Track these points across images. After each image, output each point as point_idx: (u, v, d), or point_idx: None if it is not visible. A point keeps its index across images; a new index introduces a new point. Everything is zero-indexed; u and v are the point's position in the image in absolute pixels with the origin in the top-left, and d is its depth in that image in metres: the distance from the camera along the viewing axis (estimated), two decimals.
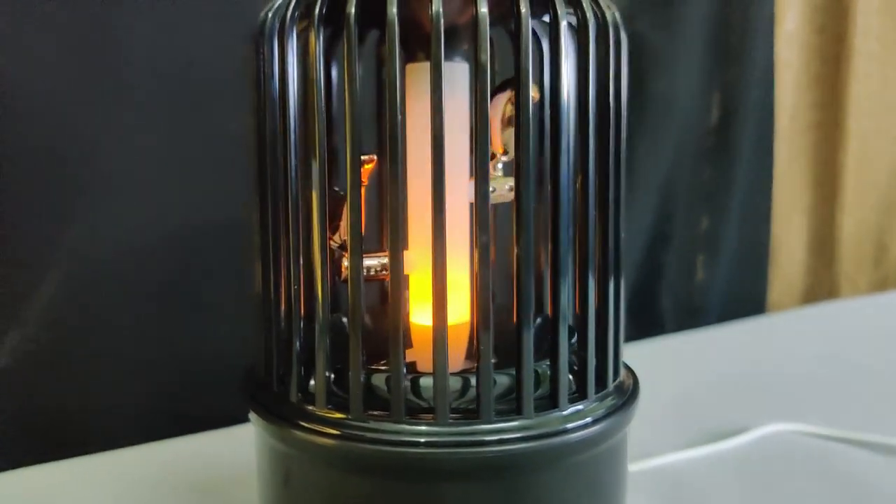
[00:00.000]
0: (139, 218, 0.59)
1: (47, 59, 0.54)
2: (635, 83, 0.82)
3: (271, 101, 0.36)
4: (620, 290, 0.38)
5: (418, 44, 0.37)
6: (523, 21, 0.32)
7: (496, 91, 0.40)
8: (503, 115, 0.40)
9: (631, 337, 0.85)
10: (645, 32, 0.83)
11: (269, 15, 0.36)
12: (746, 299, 0.98)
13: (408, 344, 0.38)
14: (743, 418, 0.60)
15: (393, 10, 0.31)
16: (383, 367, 0.34)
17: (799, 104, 1.02)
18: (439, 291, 0.33)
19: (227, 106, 0.59)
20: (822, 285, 1.06)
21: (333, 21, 0.35)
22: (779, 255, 1.02)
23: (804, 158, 1.04)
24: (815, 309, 0.98)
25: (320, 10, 0.33)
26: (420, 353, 0.37)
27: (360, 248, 0.34)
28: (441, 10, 0.31)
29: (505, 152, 0.41)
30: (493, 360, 0.34)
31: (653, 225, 0.88)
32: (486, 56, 0.31)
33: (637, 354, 0.78)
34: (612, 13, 0.36)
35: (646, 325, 0.89)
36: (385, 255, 0.38)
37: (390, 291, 0.33)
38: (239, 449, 0.53)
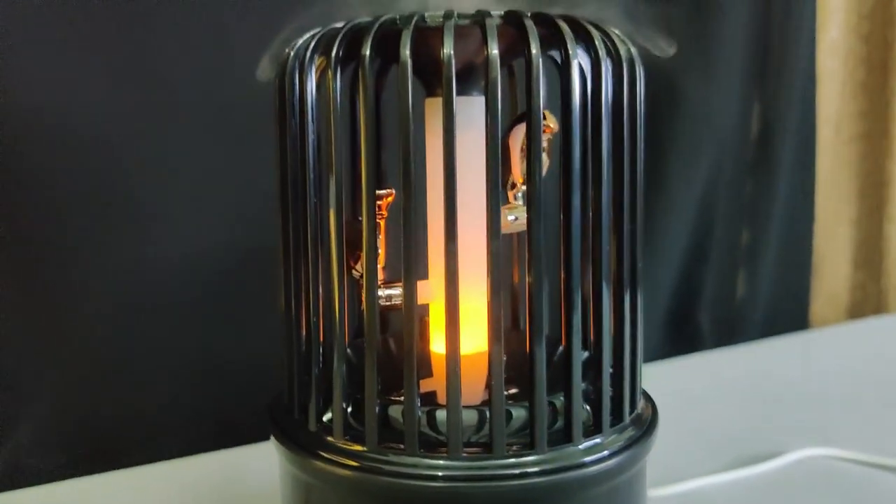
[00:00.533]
0: (182, 240, 0.61)
1: (92, 94, 0.57)
2: (671, 96, 0.82)
3: (292, 137, 0.37)
4: (638, 320, 0.38)
5: (437, 79, 0.38)
6: (534, 62, 0.32)
7: (516, 121, 0.40)
8: (522, 145, 0.41)
9: (668, 353, 0.84)
10: (681, 44, 0.82)
11: (291, 55, 0.37)
12: (789, 314, 0.96)
13: (428, 373, 0.39)
14: (777, 441, 0.59)
15: (406, 52, 0.32)
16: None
17: (843, 114, 1.00)
18: (452, 321, 0.33)
19: (264, 135, 0.60)
20: (868, 300, 1.04)
21: (354, 58, 0.35)
22: (823, 268, 1.00)
23: (848, 169, 1.01)
24: (860, 324, 0.96)
25: (337, 52, 0.34)
26: (441, 383, 0.37)
27: (375, 279, 0.34)
28: (452, 52, 0.32)
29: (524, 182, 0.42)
30: (511, 391, 0.34)
31: (691, 239, 0.87)
32: (496, 99, 0.32)
33: (673, 371, 0.78)
34: (627, 48, 0.36)
35: (684, 340, 0.88)
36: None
37: (403, 321, 0.34)
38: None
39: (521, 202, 0.41)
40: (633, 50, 0.36)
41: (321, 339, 0.37)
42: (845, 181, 1.01)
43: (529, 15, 0.34)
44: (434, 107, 0.39)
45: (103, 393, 0.61)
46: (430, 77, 0.38)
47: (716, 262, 0.89)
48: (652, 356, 0.82)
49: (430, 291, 0.40)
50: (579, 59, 0.34)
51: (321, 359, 0.37)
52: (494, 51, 0.32)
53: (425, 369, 0.39)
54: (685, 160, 0.84)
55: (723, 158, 0.87)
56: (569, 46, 0.33)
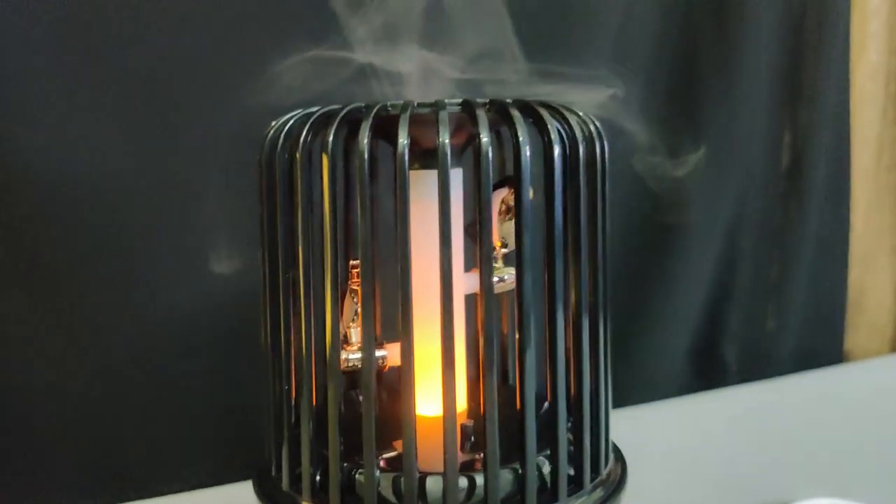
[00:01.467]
0: (194, 284, 0.64)
1: (106, 144, 0.60)
2: (691, 124, 0.81)
3: (283, 215, 0.39)
4: (608, 378, 0.39)
5: (415, 155, 0.40)
6: (483, 150, 0.34)
7: (495, 186, 0.42)
8: (500, 209, 0.43)
9: (692, 388, 0.83)
10: (702, 72, 0.81)
11: (281, 137, 0.39)
12: (822, 348, 0.93)
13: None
14: (785, 488, 0.58)
15: (403, 141, 0.34)
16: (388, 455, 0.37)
17: (884, 139, 0.97)
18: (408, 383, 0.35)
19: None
20: None
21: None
22: (864, 299, 0.97)
23: (890, 196, 0.98)
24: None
25: (335, 137, 0.36)
26: (420, 443, 0.39)
27: (339, 349, 0.37)
28: (448, 140, 0.34)
29: (504, 245, 0.43)
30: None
31: (715, 271, 0.86)
32: (446, 177, 0.34)
33: (695, 407, 0.78)
34: (586, 129, 0.37)
35: (708, 375, 0.86)
36: (384, 348, 0.41)
37: (362, 387, 0.36)
38: None
39: (500, 264, 0.43)
40: (595, 128, 0.38)
41: (293, 401, 0.40)
42: (887, 208, 0.98)
43: (486, 103, 0.36)
44: (414, 178, 0.41)
45: (121, 431, 0.64)
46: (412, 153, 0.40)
47: (743, 294, 0.87)
48: (675, 391, 0.82)
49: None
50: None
51: (294, 421, 0.39)
52: (445, 139, 0.34)
53: (398, 431, 0.41)
54: (705, 191, 0.82)
55: (749, 188, 0.86)
56: (518, 130, 0.34)
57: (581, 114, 0.38)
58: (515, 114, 0.35)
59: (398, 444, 0.39)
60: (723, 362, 0.87)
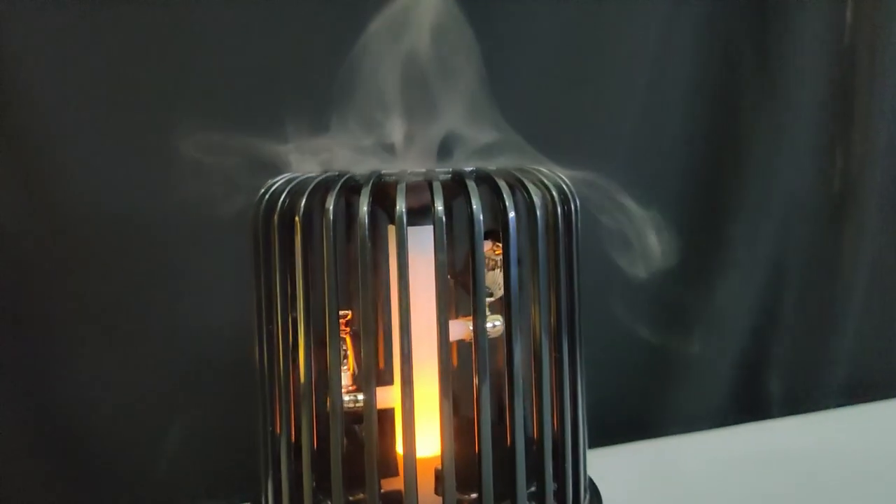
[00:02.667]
0: (217, 308, 0.66)
1: (155, 183, 0.63)
2: (735, 151, 0.81)
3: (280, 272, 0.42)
4: (579, 422, 0.43)
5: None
6: (437, 216, 0.38)
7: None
8: (486, 260, 0.46)
9: (735, 420, 0.81)
10: (744, 96, 0.80)
11: (281, 198, 0.42)
12: (875, 381, 0.89)
13: (394, 472, 0.44)
14: None
15: (401, 206, 0.38)
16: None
17: None
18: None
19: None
20: None
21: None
22: None
23: None
24: None
25: (336, 202, 0.39)
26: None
27: (310, 396, 0.40)
28: (404, 210, 0.37)
29: (489, 294, 0.47)
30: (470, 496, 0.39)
31: (760, 301, 0.83)
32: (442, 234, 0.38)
33: (736, 438, 0.75)
34: (548, 194, 0.42)
35: (752, 407, 0.84)
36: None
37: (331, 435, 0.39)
38: None
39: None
40: (563, 191, 0.42)
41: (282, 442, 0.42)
42: None
43: (471, 171, 0.40)
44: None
45: (148, 447, 0.67)
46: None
47: (789, 324, 0.84)
48: (717, 422, 0.81)
49: (392, 396, 0.45)
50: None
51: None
52: (440, 206, 0.37)
53: (391, 469, 0.44)
54: (751, 218, 0.80)
55: (796, 215, 0.83)
56: (473, 202, 0.39)
57: (553, 178, 0.43)
58: (501, 183, 0.39)
59: (385, 483, 0.42)
60: (768, 393, 0.85)
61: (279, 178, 0.44)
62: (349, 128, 0.48)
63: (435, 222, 0.38)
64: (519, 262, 0.40)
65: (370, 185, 0.39)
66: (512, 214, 0.39)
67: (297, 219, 0.40)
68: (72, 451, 0.65)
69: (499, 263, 0.45)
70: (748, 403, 0.84)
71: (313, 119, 0.49)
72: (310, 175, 0.43)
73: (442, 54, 0.47)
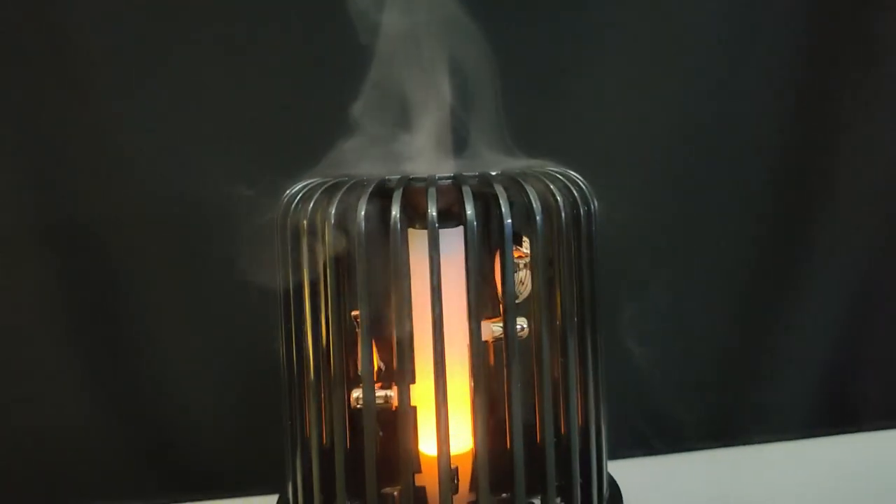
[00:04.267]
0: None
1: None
2: (824, 133, 0.76)
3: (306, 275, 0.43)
4: (599, 422, 0.45)
5: (416, 216, 0.44)
6: (468, 225, 0.39)
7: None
8: None
9: (823, 431, 0.76)
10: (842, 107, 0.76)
11: (310, 206, 0.42)
12: None
13: (417, 469, 0.45)
14: None
15: (433, 211, 0.39)
16: None
17: None
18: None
19: None
20: None
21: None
22: None
23: None
24: None
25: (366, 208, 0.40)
26: (429, 479, 0.43)
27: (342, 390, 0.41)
28: (435, 212, 0.38)
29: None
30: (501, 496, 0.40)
31: (851, 302, 0.79)
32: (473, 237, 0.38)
33: (822, 451, 0.70)
34: (572, 196, 0.43)
35: (842, 418, 0.80)
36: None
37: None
38: None
39: None
40: (586, 190, 0.44)
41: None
42: None
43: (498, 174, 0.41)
44: (414, 237, 0.46)
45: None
46: (412, 214, 0.45)
47: (883, 332, 0.80)
48: (803, 432, 0.76)
49: (417, 394, 0.46)
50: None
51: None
52: (470, 210, 0.39)
53: (414, 465, 0.45)
54: (833, 223, 0.76)
55: (886, 219, 0.78)
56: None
57: (573, 179, 0.44)
58: (528, 187, 0.40)
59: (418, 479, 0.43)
60: (857, 403, 0.81)
61: (307, 181, 0.45)
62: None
63: (466, 225, 0.39)
64: (550, 262, 0.41)
65: (401, 189, 0.40)
66: (539, 217, 0.40)
67: (327, 223, 0.41)
68: (149, 436, 0.69)
69: (520, 266, 0.46)
70: (837, 412, 0.80)
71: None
72: (337, 179, 0.43)
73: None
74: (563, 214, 0.42)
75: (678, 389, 0.77)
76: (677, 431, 0.76)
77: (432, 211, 0.39)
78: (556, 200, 0.42)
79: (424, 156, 0.47)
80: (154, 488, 0.69)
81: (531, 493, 0.41)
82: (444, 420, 0.40)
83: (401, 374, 0.40)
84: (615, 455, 0.68)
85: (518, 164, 0.47)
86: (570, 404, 0.42)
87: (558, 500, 0.42)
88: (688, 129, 0.74)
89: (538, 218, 0.40)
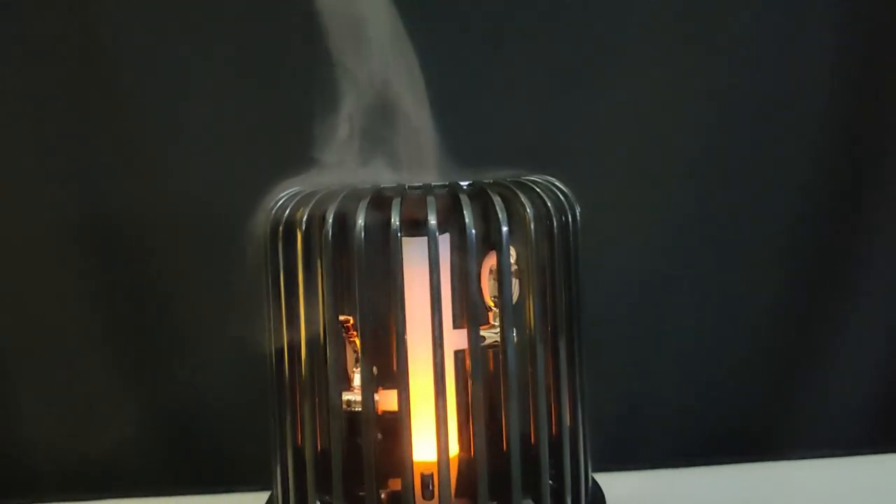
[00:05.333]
0: None
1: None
2: (847, 162, 0.73)
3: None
4: (580, 427, 0.44)
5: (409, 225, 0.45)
6: (468, 230, 0.39)
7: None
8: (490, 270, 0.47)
9: (875, 449, 0.71)
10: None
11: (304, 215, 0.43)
12: None
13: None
14: None
15: (396, 219, 0.40)
16: None
17: None
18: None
19: None
20: None
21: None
22: None
23: None
24: None
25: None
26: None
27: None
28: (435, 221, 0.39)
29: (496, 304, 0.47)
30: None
31: None
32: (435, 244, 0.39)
33: (872, 469, 0.65)
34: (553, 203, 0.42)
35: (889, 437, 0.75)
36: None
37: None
38: None
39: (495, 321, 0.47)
40: (564, 198, 0.44)
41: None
42: None
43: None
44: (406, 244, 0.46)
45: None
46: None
47: None
48: (855, 447, 0.71)
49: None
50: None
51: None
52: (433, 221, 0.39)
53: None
54: (883, 230, 0.73)
55: None
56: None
57: (552, 187, 0.44)
58: (496, 198, 0.40)
59: (395, 483, 0.44)
60: None
61: (293, 189, 0.46)
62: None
63: (430, 235, 0.39)
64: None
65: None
66: (505, 229, 0.40)
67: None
68: (184, 433, 0.72)
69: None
70: (888, 430, 0.75)
71: None
72: (317, 189, 0.44)
73: None
74: (531, 225, 0.41)
75: (715, 399, 0.75)
76: (715, 444, 0.74)
77: (395, 220, 0.39)
78: (527, 210, 0.41)
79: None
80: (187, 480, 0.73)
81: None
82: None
83: (369, 379, 0.41)
84: (647, 465, 0.68)
85: (501, 173, 0.47)
86: (540, 412, 0.42)
87: None
88: (721, 137, 0.72)
89: (503, 229, 0.40)
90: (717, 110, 0.72)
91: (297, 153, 0.66)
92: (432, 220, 0.39)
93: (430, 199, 0.39)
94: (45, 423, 0.71)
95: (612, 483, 0.52)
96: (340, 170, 0.47)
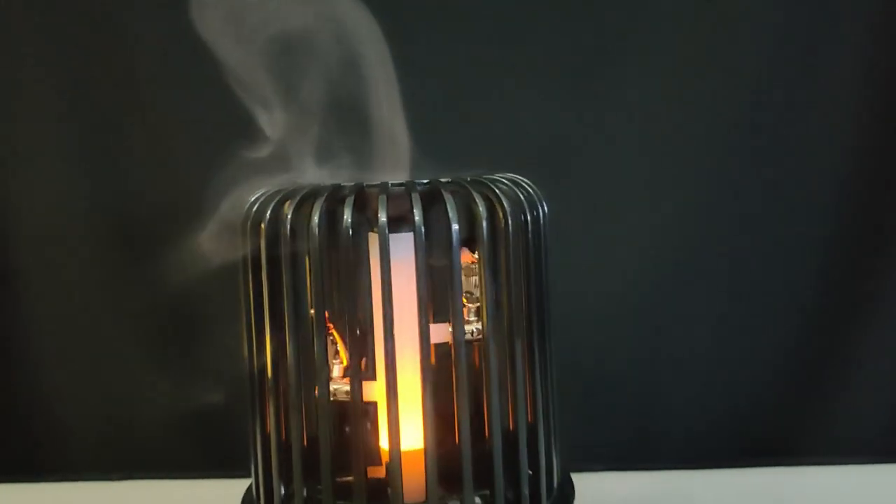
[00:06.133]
0: None
1: None
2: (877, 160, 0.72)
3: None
4: (549, 417, 0.47)
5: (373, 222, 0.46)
6: (418, 231, 0.41)
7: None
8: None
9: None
10: None
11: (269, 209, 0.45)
12: None
13: (376, 462, 0.47)
14: None
15: (383, 217, 0.41)
16: None
17: None
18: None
19: None
20: None
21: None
22: None
23: None
24: None
25: (320, 213, 0.42)
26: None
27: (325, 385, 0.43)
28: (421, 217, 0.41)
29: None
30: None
31: None
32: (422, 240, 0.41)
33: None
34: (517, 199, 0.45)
35: None
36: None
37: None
38: None
39: (473, 317, 0.48)
40: (534, 194, 0.47)
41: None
42: None
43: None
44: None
45: None
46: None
47: None
48: (874, 457, 0.70)
49: (376, 391, 0.48)
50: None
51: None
52: (418, 217, 0.41)
53: (374, 458, 0.47)
54: None
55: None
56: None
57: (521, 184, 0.46)
58: (476, 195, 0.42)
59: (372, 470, 0.45)
60: None
61: (268, 188, 0.47)
62: None
63: (416, 230, 0.41)
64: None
65: (353, 196, 0.42)
66: (486, 224, 0.42)
67: (284, 229, 0.43)
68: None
69: (473, 271, 0.47)
70: None
71: None
72: (295, 187, 0.45)
73: None
74: (509, 220, 0.44)
75: (737, 402, 0.74)
76: (736, 446, 0.74)
77: (382, 216, 0.41)
78: (503, 206, 0.44)
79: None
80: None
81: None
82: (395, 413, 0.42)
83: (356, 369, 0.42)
84: (666, 466, 0.66)
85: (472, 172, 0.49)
86: (518, 401, 0.44)
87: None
88: (744, 134, 0.72)
89: (485, 225, 0.42)
90: (737, 110, 0.71)
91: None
92: (417, 216, 0.41)
93: (415, 196, 0.41)
94: (80, 400, 0.76)
95: (629, 482, 0.54)
96: (314, 170, 0.49)
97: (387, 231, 0.41)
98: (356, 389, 0.43)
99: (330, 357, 0.46)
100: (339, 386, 0.45)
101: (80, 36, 0.71)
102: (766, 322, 0.73)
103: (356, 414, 0.42)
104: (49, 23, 0.72)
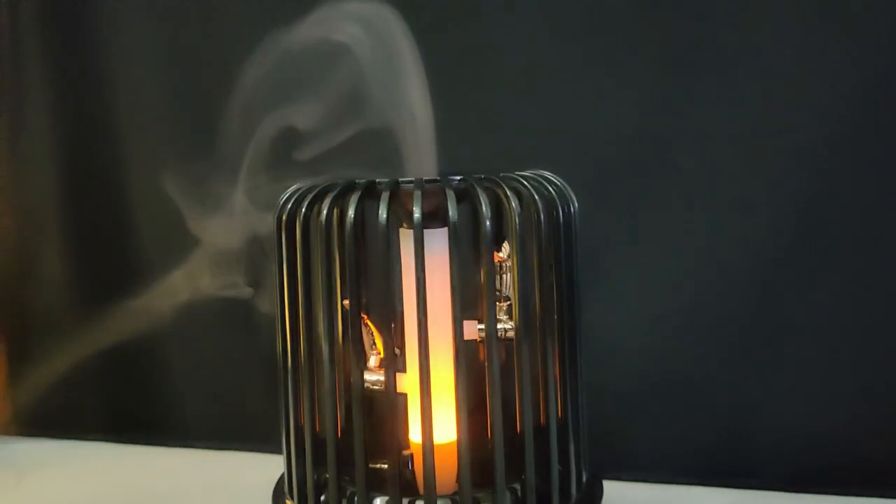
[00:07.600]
0: None
1: None
2: None
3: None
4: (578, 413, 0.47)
5: (405, 217, 0.47)
6: (451, 227, 0.41)
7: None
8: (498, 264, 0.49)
9: None
10: None
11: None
12: None
13: (407, 446, 0.48)
14: None
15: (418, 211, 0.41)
16: None
17: None
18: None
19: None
20: None
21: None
22: None
23: None
24: None
25: (357, 207, 0.43)
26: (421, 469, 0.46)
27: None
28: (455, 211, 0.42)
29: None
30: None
31: None
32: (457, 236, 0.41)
33: None
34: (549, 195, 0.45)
35: None
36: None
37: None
38: None
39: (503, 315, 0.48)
40: (565, 191, 0.47)
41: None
42: None
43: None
44: (405, 236, 0.48)
45: None
46: (403, 215, 0.47)
47: None
48: None
49: (408, 382, 0.49)
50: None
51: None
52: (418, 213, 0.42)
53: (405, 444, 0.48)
54: None
55: None
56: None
57: (552, 181, 0.47)
58: (510, 192, 0.43)
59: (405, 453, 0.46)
60: None
61: (303, 184, 0.48)
62: None
63: (450, 226, 0.42)
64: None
65: (388, 191, 0.42)
66: (517, 221, 0.43)
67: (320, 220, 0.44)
68: None
69: (504, 268, 0.48)
70: None
71: None
72: (330, 183, 0.46)
73: None
74: (542, 217, 0.44)
75: (834, 426, 0.66)
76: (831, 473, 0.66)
77: (417, 212, 0.41)
78: (534, 202, 0.44)
79: None
80: None
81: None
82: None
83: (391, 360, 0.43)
84: (754, 486, 0.63)
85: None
86: (549, 398, 0.45)
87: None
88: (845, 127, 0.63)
89: (517, 222, 0.43)
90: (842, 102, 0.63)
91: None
92: (452, 212, 0.41)
93: (450, 193, 0.42)
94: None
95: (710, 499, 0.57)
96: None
97: (422, 226, 0.41)
98: (391, 380, 0.43)
99: (368, 346, 0.46)
100: (372, 376, 0.46)
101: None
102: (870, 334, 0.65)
103: (391, 404, 0.43)
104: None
